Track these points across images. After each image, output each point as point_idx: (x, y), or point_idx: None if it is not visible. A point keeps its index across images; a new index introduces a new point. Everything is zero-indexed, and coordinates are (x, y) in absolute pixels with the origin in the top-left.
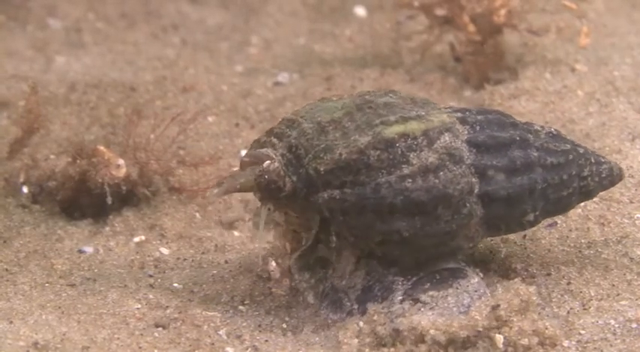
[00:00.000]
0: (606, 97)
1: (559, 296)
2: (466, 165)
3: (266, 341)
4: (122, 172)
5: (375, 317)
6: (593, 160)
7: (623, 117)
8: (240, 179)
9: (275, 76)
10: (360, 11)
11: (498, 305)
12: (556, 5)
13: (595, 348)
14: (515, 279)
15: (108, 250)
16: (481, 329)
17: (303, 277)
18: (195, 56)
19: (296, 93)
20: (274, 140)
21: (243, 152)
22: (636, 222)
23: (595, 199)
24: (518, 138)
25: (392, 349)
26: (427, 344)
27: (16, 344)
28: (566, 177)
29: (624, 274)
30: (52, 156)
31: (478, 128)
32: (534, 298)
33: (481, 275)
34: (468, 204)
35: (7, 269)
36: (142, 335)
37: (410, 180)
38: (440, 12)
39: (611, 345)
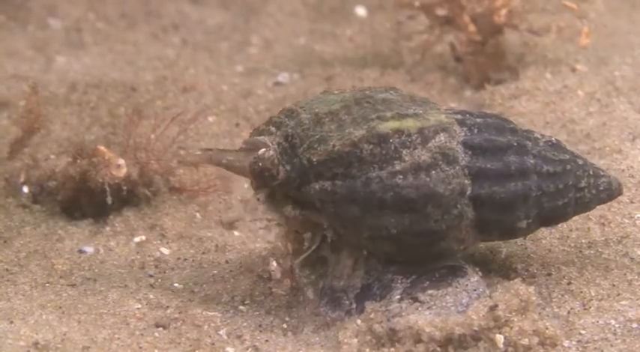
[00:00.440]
0: (607, 97)
1: (559, 296)
2: (460, 166)
3: (266, 341)
4: (122, 172)
5: (372, 316)
6: (591, 172)
7: (624, 117)
8: (229, 156)
9: (275, 76)
10: (361, 11)
11: (496, 306)
12: (557, 5)
13: (595, 348)
14: (516, 279)
15: (108, 250)
16: (477, 329)
17: (304, 273)
18: (196, 56)
19: (296, 93)
20: (272, 128)
21: None
22: (637, 222)
23: None
24: (515, 144)
25: (392, 349)
26: (425, 344)
27: (17, 344)
28: (562, 186)
29: (625, 274)
30: (52, 156)
31: (476, 131)
32: (534, 298)
33: (480, 273)
34: (459, 205)
35: (7, 269)
36: (142, 335)
37: (401, 177)
38: (440, 12)
39: (611, 345)
